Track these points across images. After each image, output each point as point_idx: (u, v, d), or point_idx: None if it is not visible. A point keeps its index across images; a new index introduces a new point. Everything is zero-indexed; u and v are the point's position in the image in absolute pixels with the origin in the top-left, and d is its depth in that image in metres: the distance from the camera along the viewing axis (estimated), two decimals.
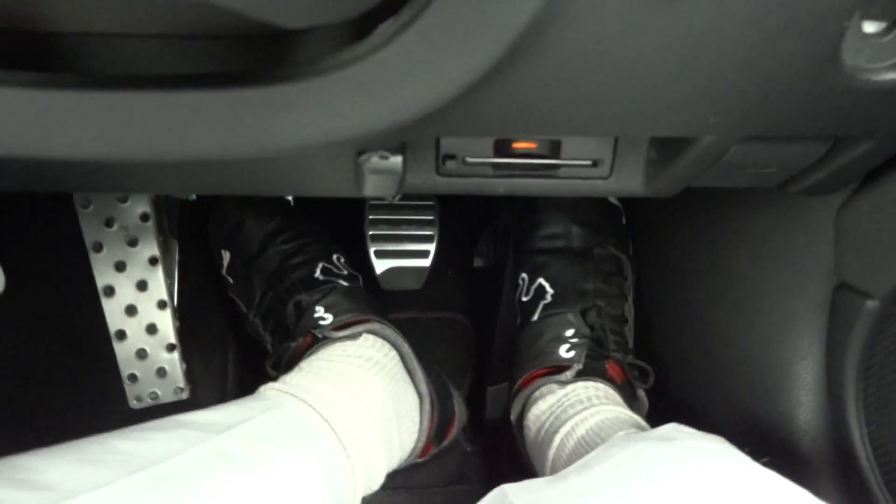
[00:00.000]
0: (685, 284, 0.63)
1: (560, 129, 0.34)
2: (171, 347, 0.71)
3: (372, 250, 0.71)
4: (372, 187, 0.35)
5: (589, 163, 0.39)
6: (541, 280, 0.63)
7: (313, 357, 0.56)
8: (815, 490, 0.52)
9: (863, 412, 0.48)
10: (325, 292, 0.60)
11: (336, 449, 0.47)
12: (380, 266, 0.70)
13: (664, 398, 0.67)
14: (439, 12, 0.25)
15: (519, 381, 0.61)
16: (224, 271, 0.70)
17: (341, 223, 0.79)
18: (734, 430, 0.58)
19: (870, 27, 0.30)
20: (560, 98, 0.30)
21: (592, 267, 0.63)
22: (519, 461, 0.63)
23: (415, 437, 0.59)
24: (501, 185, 0.40)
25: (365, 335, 0.58)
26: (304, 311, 0.59)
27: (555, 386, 0.57)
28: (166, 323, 0.71)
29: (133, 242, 0.69)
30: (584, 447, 0.51)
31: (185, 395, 0.72)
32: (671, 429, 0.44)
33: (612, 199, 0.68)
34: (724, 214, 0.58)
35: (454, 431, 0.67)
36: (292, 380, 0.52)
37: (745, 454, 0.43)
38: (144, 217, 0.69)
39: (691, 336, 0.63)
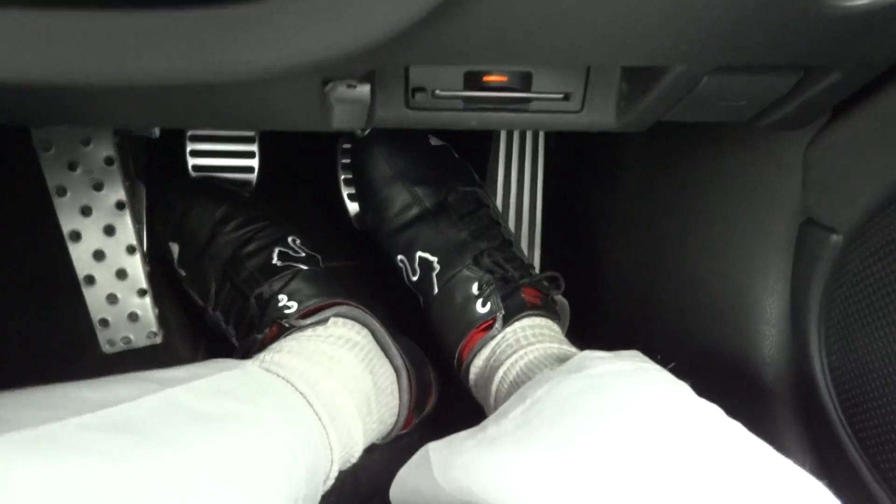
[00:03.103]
0: (655, 220, 0.64)
1: (530, 57, 0.33)
2: (142, 292, 0.70)
3: (345, 193, 0.71)
4: (340, 119, 0.34)
5: (560, 96, 0.39)
6: (419, 253, 0.61)
7: (282, 341, 0.54)
8: (777, 418, 0.55)
9: (824, 344, 0.50)
10: (286, 279, 0.58)
11: (308, 414, 0.46)
12: (354, 208, 0.70)
13: (635, 332, 0.68)
14: None
15: (457, 354, 0.60)
16: (175, 265, 0.68)
17: (296, 205, 0.77)
18: (701, 362, 0.60)
19: None
20: (529, 22, 0.29)
21: (456, 216, 0.62)
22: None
23: (395, 410, 0.58)
24: (473, 119, 0.39)
25: (333, 319, 0.57)
26: (268, 302, 0.57)
27: (489, 340, 0.57)
28: (136, 268, 0.70)
29: (98, 186, 0.67)
30: (514, 390, 0.51)
31: (158, 340, 0.72)
32: (581, 358, 0.44)
33: (434, 141, 0.66)
34: (694, 152, 0.58)
35: (433, 400, 0.65)
36: (264, 356, 0.51)
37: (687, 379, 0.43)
38: (109, 160, 0.67)
39: (659, 270, 0.64)
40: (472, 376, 0.59)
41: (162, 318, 0.72)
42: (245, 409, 0.40)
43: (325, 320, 0.56)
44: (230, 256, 0.62)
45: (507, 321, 0.57)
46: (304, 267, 0.61)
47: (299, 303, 0.57)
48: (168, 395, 0.36)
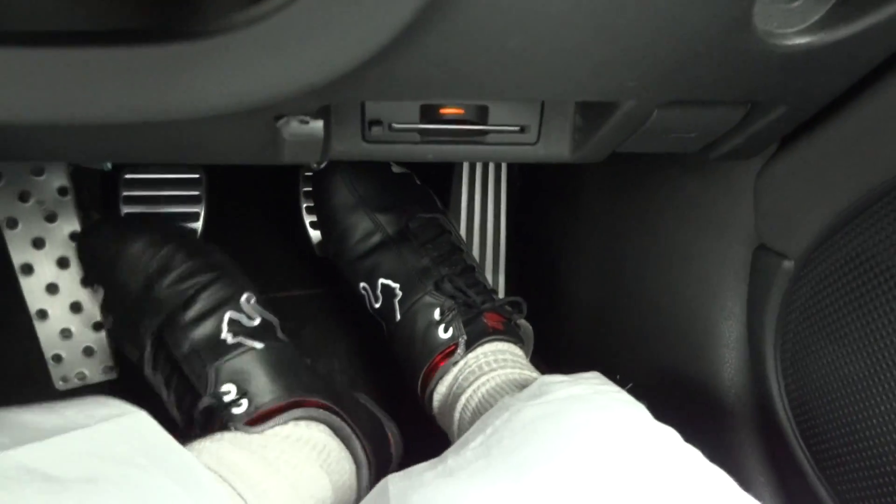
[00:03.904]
0: (616, 244, 0.65)
1: (484, 93, 0.34)
2: (97, 326, 0.68)
3: (308, 221, 0.70)
4: (292, 153, 0.34)
5: (516, 128, 0.39)
6: (381, 280, 0.61)
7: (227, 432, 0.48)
8: (737, 440, 0.55)
9: (780, 367, 0.50)
10: (234, 362, 0.50)
11: (222, 491, 0.40)
12: (317, 235, 0.70)
13: (599, 355, 0.68)
14: None
15: (420, 380, 0.59)
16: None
17: (259, 233, 0.75)
18: (663, 384, 0.60)
19: None
20: (480, 60, 0.29)
21: (418, 242, 0.61)
22: None
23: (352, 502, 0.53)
24: (430, 152, 0.40)
25: (293, 423, 0.50)
26: (214, 408, 0.49)
27: (451, 366, 0.57)
28: (91, 301, 0.68)
29: (51, 217, 0.65)
30: (477, 417, 0.49)
31: (114, 375, 0.70)
32: (540, 384, 0.43)
33: (396, 168, 0.66)
34: (652, 179, 0.59)
35: (392, 464, 0.61)
36: (201, 445, 0.45)
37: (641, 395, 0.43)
38: (62, 191, 0.65)
39: (620, 296, 0.65)
40: (435, 403, 0.58)
41: (118, 353, 0.70)
42: (117, 472, 0.33)
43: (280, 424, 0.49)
44: (167, 317, 0.52)
45: (470, 347, 0.56)
46: (259, 345, 0.52)
47: (250, 401, 0.48)
48: (19, 457, 0.30)
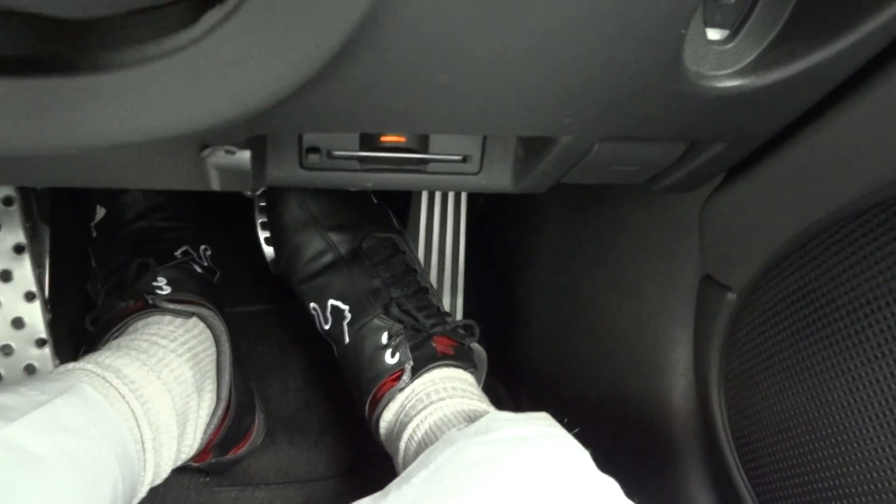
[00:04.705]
0: (571, 269, 0.65)
1: (417, 126, 0.33)
2: (40, 343, 0.66)
3: (262, 237, 0.69)
4: (222, 182, 0.33)
5: (458, 158, 0.39)
6: (331, 301, 0.60)
7: (135, 333, 0.54)
8: (683, 472, 0.55)
9: (724, 398, 0.50)
10: (173, 267, 0.60)
11: (135, 442, 0.46)
12: (270, 252, 0.69)
13: (554, 377, 0.68)
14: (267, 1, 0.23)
15: (367, 405, 0.59)
16: (92, 223, 0.68)
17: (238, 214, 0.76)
18: (614, 412, 0.60)
19: (713, 35, 0.31)
20: (409, 95, 0.29)
21: (370, 263, 0.60)
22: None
23: (201, 437, 0.57)
24: (370, 180, 0.39)
25: (195, 319, 0.57)
26: (145, 274, 0.58)
27: (397, 393, 0.56)
28: (35, 316, 0.65)
29: None
30: (422, 449, 0.49)
31: None
32: (487, 420, 0.43)
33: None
34: (606, 206, 0.59)
35: (242, 450, 0.66)
36: (105, 360, 0.49)
37: (571, 428, 0.44)
38: (8, 201, 0.63)
39: (576, 319, 0.65)
40: (382, 430, 0.57)
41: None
42: (80, 445, 0.40)
43: (187, 315, 0.57)
44: (143, 237, 0.64)
45: (416, 372, 0.55)
46: (198, 269, 0.63)
47: (173, 290, 0.58)
48: (6, 436, 0.36)
